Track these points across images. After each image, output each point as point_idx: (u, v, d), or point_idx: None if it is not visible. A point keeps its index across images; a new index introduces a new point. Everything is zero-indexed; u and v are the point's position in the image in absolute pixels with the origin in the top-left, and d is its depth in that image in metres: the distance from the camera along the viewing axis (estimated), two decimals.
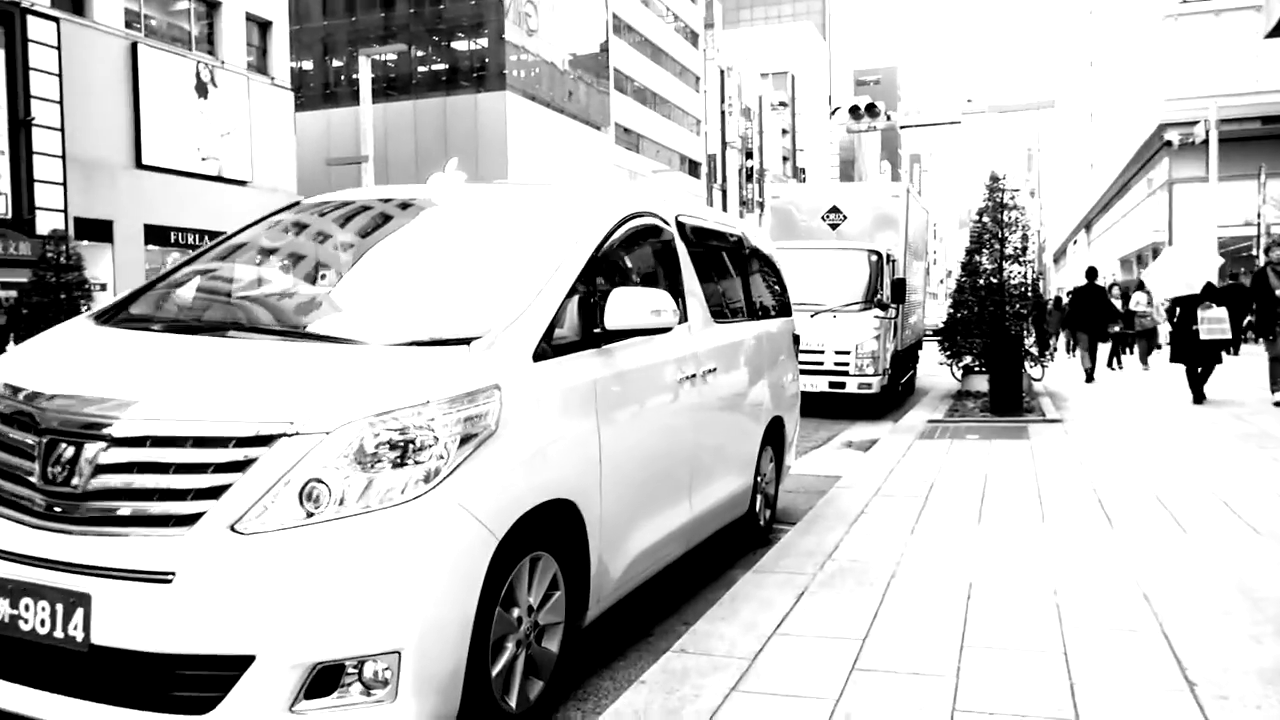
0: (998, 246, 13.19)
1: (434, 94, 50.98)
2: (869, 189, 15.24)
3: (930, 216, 19.27)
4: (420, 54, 52.91)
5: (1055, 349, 15.06)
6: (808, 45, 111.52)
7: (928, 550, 4.84)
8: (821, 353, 12.26)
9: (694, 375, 4.41)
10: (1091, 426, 9.80)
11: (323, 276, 3.81)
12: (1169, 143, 32.95)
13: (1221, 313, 10.96)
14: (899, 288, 12.41)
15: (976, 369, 13.60)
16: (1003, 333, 11.05)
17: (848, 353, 12.15)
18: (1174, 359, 12.02)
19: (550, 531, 3.17)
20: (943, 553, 4.78)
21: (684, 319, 4.46)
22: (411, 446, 2.65)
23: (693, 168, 74.82)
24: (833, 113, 23.60)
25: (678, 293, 4.47)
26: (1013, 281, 13.22)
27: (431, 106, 49.98)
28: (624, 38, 63.87)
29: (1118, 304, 19.13)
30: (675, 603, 4.58)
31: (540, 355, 3.18)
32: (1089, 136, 65.40)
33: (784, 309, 6.52)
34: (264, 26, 32.58)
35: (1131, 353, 20.05)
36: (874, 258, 12.48)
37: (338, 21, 53.34)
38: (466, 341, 2.99)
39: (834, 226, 13.68)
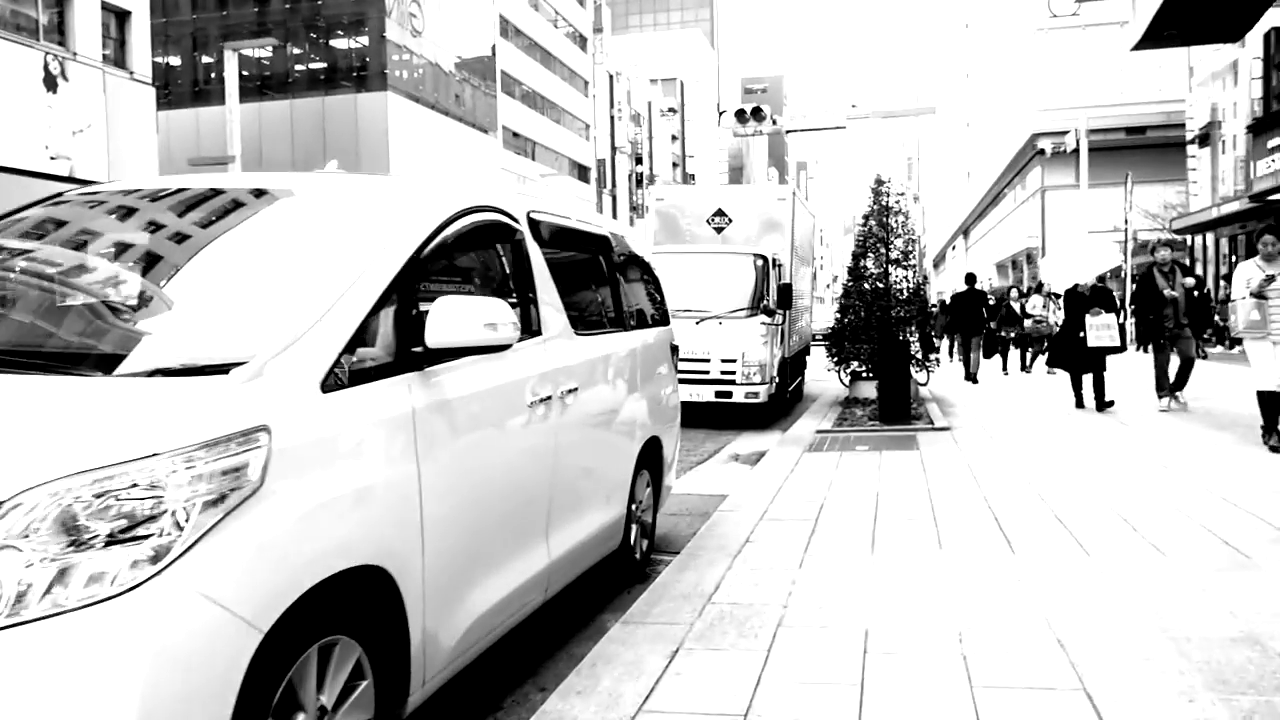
0: (883, 250, 12.99)
1: (312, 93, 49.03)
2: (755, 191, 14.90)
3: (816, 221, 19.15)
4: (297, 52, 50.85)
5: (939, 353, 15.03)
6: (696, 52, 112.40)
7: (818, 587, 4.33)
8: (707, 361, 11.80)
9: (549, 397, 3.79)
10: (980, 434, 9.57)
11: (65, 284, 3.03)
12: (1041, 151, 34.05)
13: (1110, 319, 10.81)
14: (785, 293, 12.06)
15: (864, 375, 13.39)
16: (890, 339, 10.78)
17: (734, 361, 11.72)
18: (1052, 363, 12.10)
19: (350, 608, 2.49)
20: (834, 590, 4.28)
21: (537, 331, 3.84)
22: (130, 517, 1.94)
23: (582, 172, 74.30)
24: (720, 115, 23.33)
25: (530, 302, 3.85)
26: (898, 286, 13.06)
27: (309, 106, 48.06)
28: (512, 41, 62.95)
29: (1015, 307, 19.06)
30: (532, 661, 3.95)
31: (333, 384, 2.51)
32: (966, 145, 67.58)
33: (661, 318, 5.97)
34: (122, 17, 30.53)
35: (1027, 356, 19.63)
36: (760, 262, 12.10)
37: (208, 15, 50.80)
38: (225, 369, 2.30)
39: (719, 230, 13.27)
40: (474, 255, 3.56)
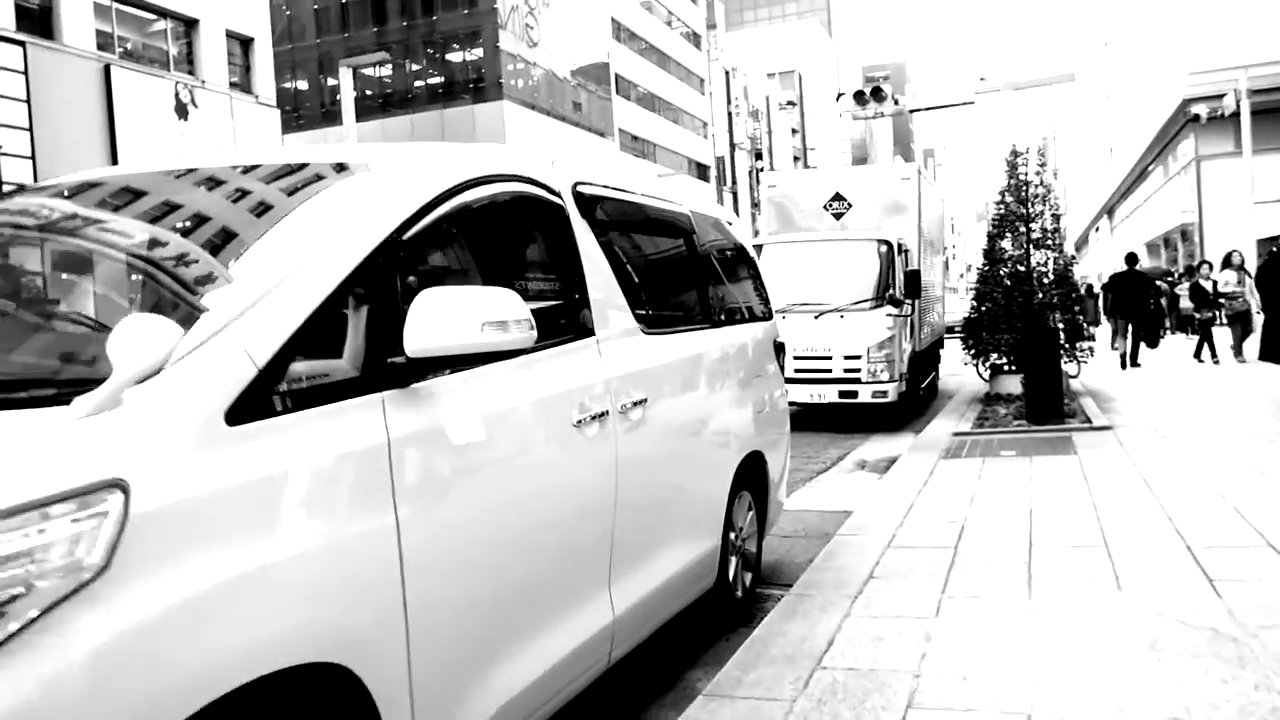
0: (1023, 229, 11.71)
1: (431, 107, 49.91)
2: (876, 172, 13.73)
3: (946, 206, 17.77)
4: (415, 68, 51.92)
5: (1093, 340, 13.49)
6: (813, 43, 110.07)
7: (960, 647, 3.40)
8: (829, 359, 10.80)
9: (605, 413, 3.01)
10: (1150, 435, 8.28)
11: None
12: (1196, 117, 31.27)
13: None
14: (914, 280, 10.94)
15: (1006, 369, 12.10)
16: (1036, 326, 9.55)
17: (859, 357, 10.68)
18: (1265, 356, 9.59)
19: None
20: (982, 652, 3.34)
21: (587, 331, 3.07)
22: None
23: (701, 171, 73.55)
24: (838, 98, 22.14)
25: (576, 295, 3.08)
26: (1042, 267, 11.75)
27: (429, 120, 48.88)
28: (626, 43, 62.79)
29: (1206, 285, 16.30)
30: None
31: (253, 410, 1.79)
32: (1107, 120, 63.47)
33: (762, 311, 5.10)
34: (245, 43, 31.50)
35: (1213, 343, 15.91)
36: (884, 248, 11.02)
37: (331, 38, 52.37)
38: (66, 395, 1.60)
39: (838, 216, 12.23)
40: (492, 237, 2.80)
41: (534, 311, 2.42)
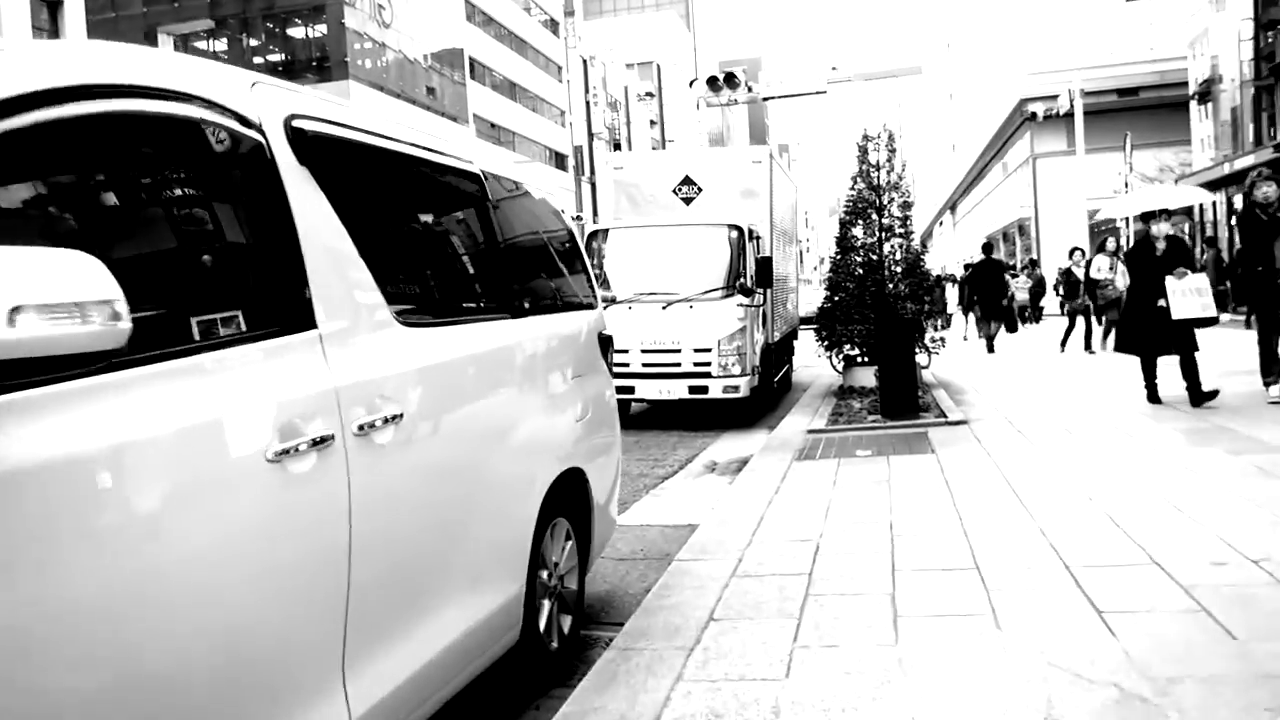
0: (875, 217, 11.35)
1: None
2: (727, 155, 13.12)
3: (799, 197, 17.47)
4: (254, 43, 48.91)
5: (945, 329, 13.46)
6: (672, 35, 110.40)
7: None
8: (678, 351, 10.12)
9: (330, 437, 2.13)
10: (1006, 430, 7.93)
11: None
12: (1033, 115, 32.38)
13: (1200, 280, 8.03)
14: (765, 268, 10.37)
15: (859, 360, 11.75)
16: (890, 318, 9.12)
17: (709, 350, 10.04)
18: (1120, 347, 8.75)
19: None
20: None
21: (299, 324, 2.17)
22: None
23: (559, 160, 72.53)
24: (691, 84, 21.63)
25: (283, 272, 2.18)
26: (893, 256, 11.43)
27: None
28: (482, 27, 61.12)
29: (1078, 272, 15.65)
30: None
31: None
32: (950, 118, 65.97)
33: (583, 298, 4.29)
34: (54, 6, 28.65)
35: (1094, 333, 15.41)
36: (734, 234, 10.40)
37: (161, 7, 48.65)
38: None
39: (688, 201, 11.57)
40: (120, 180, 1.86)
41: (197, 293, 1.54)
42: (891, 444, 7.45)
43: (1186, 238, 19.77)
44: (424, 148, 2.98)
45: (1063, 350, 15.41)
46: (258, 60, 48.69)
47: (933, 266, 13.55)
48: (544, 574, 3.50)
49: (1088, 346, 15.11)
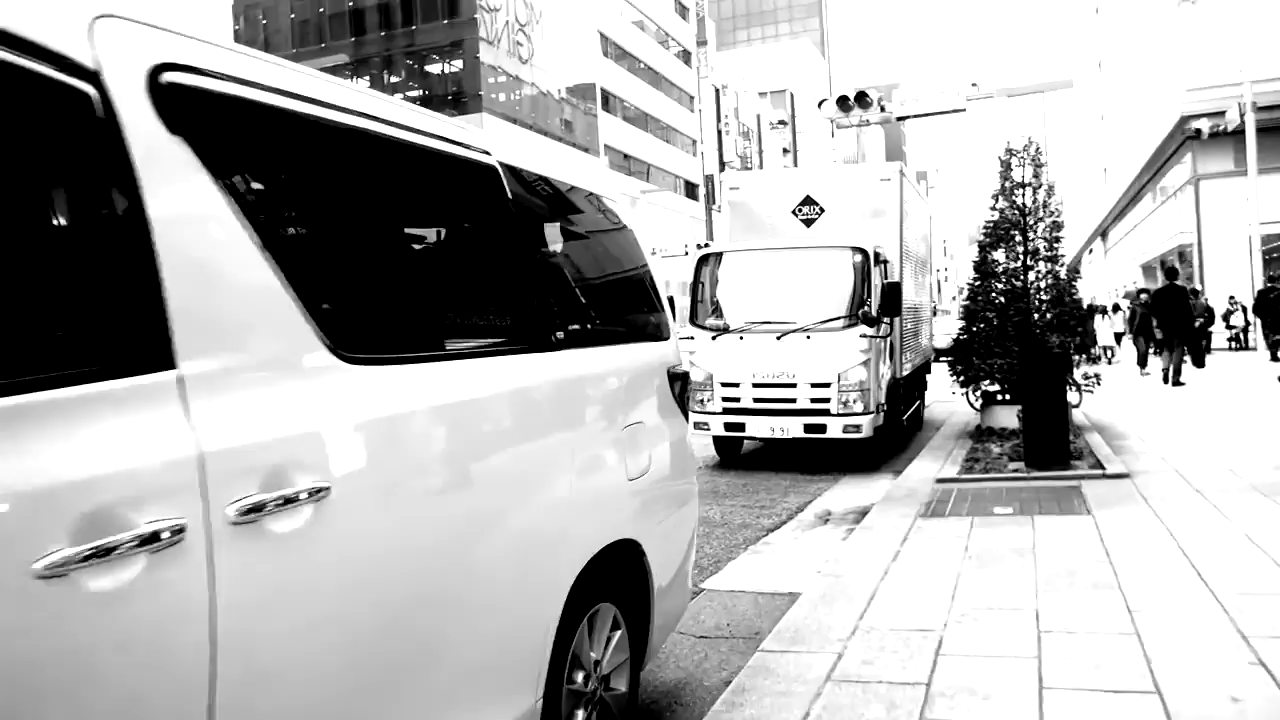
0: (1019, 239, 10.20)
1: None
2: (852, 173, 12.08)
3: (935, 224, 16.25)
4: (394, 80, 50.58)
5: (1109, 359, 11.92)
6: (806, 62, 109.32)
7: None
8: (793, 386, 9.22)
9: (180, 529, 1.43)
10: (1178, 485, 6.71)
11: None
12: (1196, 133, 29.89)
13: None
14: (893, 295, 9.37)
15: (1000, 398, 10.56)
16: (1037, 351, 8.00)
17: (828, 385, 9.10)
18: None
19: None
20: None
21: (158, 362, 1.50)
22: None
23: (690, 189, 72.43)
24: (820, 104, 20.69)
25: (135, 287, 1.50)
26: (1041, 284, 10.24)
27: None
28: (615, 60, 61.74)
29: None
30: None
31: None
32: (1101, 140, 62.42)
33: (649, 327, 3.53)
34: None
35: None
36: (858, 258, 9.45)
37: (308, 49, 50.90)
38: None
39: (808, 223, 10.68)
40: None
41: None
42: (1037, 500, 6.36)
43: None
44: (400, 125, 2.28)
45: None
46: (397, 96, 50.32)
47: (1082, 296, 12.05)
48: (578, 677, 2.74)
49: None
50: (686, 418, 3.73)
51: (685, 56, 74.80)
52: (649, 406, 3.33)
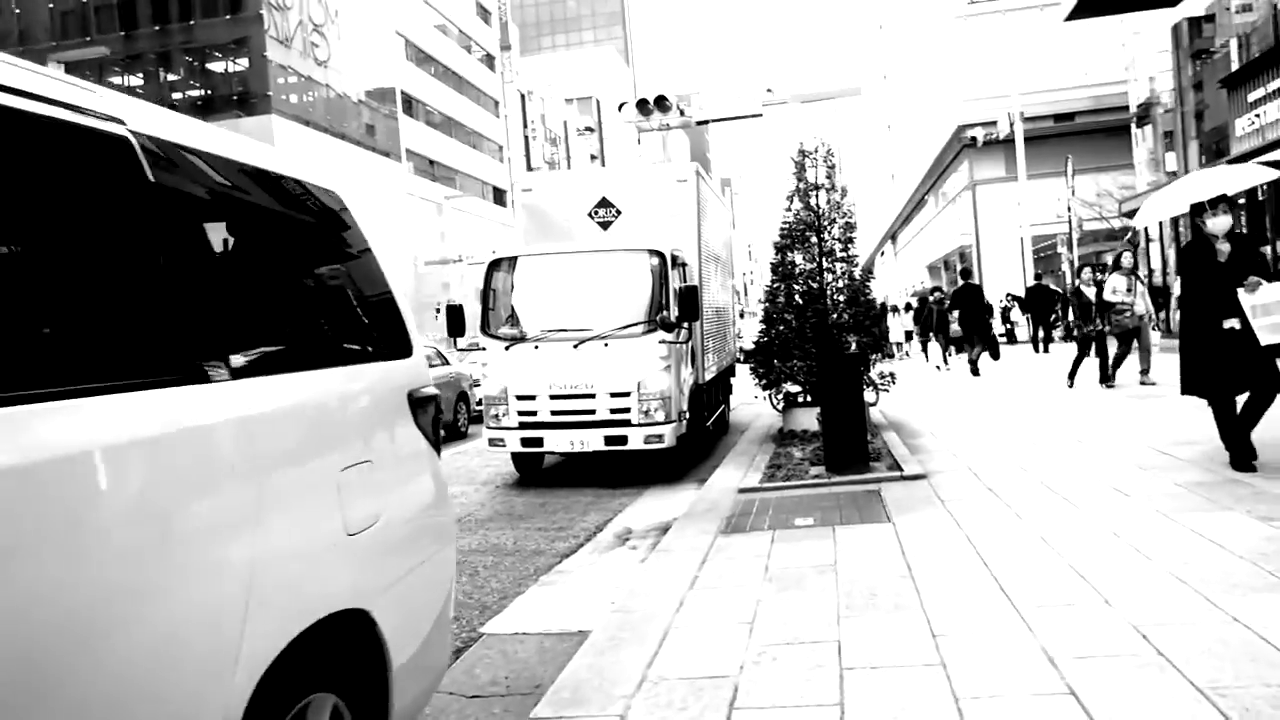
0: (814, 240, 10.17)
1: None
2: (649, 173, 11.73)
3: (738, 229, 16.28)
4: (173, 78, 47.02)
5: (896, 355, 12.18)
6: (611, 70, 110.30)
7: None
8: (591, 396, 8.77)
9: None
10: (973, 486, 6.69)
11: None
12: (973, 140, 31.84)
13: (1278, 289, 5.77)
14: (690, 299, 9.07)
15: (801, 400, 10.51)
16: (834, 354, 7.88)
17: (627, 394, 8.70)
18: (1188, 389, 6.16)
19: None
20: None
21: None
22: None
23: (498, 195, 71.35)
24: (620, 107, 20.48)
25: None
26: (837, 284, 10.25)
27: None
28: (416, 62, 59.95)
29: (1089, 293, 13.13)
30: None
31: None
32: (888, 148, 66.06)
33: (374, 340, 2.91)
34: None
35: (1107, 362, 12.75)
36: (656, 261, 9.11)
37: (70, 41, 46.52)
38: None
39: (605, 225, 10.26)
40: None
41: None
42: (838, 508, 6.15)
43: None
44: None
45: (1071, 384, 12.80)
46: (175, 95, 46.81)
47: (876, 296, 12.19)
48: None
49: (1105, 379, 12.51)
50: (438, 448, 3.15)
51: (489, 61, 73.73)
52: (381, 440, 2.73)
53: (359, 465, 2.54)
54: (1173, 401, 8.13)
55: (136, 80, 46.69)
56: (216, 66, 46.88)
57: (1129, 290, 11.95)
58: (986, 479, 6.71)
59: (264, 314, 2.40)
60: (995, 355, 19.61)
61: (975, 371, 16.70)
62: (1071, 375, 13.00)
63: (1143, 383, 12.12)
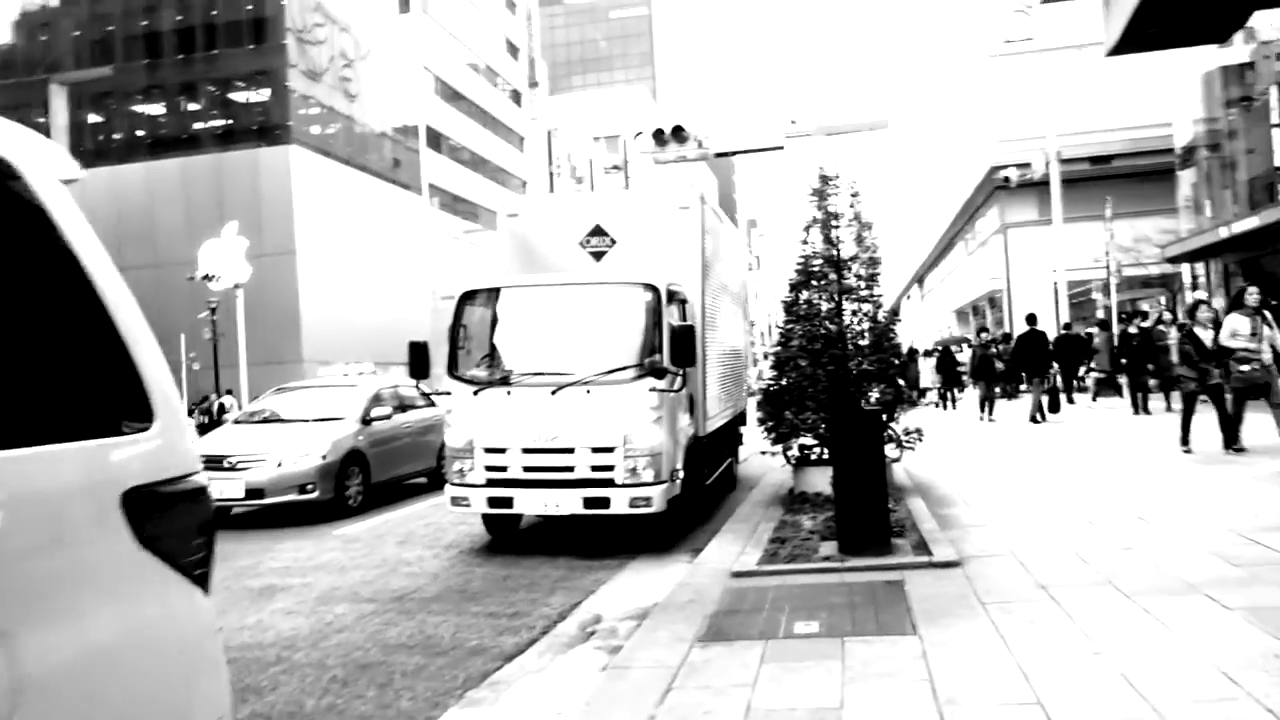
0: (833, 276, 8.99)
1: (209, 149, 44.75)
2: (646, 199, 10.41)
3: (760, 266, 15.14)
4: (194, 107, 46.82)
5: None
6: (639, 109, 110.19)
7: None
8: (570, 452, 7.55)
9: None
10: (1022, 581, 5.42)
11: None
12: (1006, 181, 30.56)
13: None
14: (685, 341, 7.82)
15: (815, 456, 9.23)
16: (851, 409, 6.66)
17: (611, 450, 7.49)
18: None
19: None
20: None
21: None
22: None
23: None
24: (636, 136, 19.50)
25: None
26: (859, 327, 9.05)
27: (203, 165, 43.72)
28: (445, 98, 59.82)
29: (1205, 336, 10.25)
30: None
31: None
32: (917, 190, 64.90)
33: (64, 408, 1.75)
34: None
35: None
36: (649, 296, 7.93)
37: (99, 69, 46.45)
38: None
39: (598, 255, 9.13)
40: None
41: None
42: (850, 608, 4.89)
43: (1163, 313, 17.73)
44: None
45: (1186, 446, 10.39)
46: (197, 125, 46.60)
47: (901, 341, 10.80)
48: None
49: (1230, 444, 10.02)
50: (205, 584, 1.98)
51: (516, 97, 73.66)
52: (57, 585, 1.57)
53: None
54: None
55: (158, 109, 46.49)
56: (238, 96, 46.64)
57: (1253, 334, 9.57)
58: (1037, 572, 5.43)
59: None
60: (1055, 408, 18.73)
61: (1038, 419, 16.72)
62: (1185, 437, 10.49)
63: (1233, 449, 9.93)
